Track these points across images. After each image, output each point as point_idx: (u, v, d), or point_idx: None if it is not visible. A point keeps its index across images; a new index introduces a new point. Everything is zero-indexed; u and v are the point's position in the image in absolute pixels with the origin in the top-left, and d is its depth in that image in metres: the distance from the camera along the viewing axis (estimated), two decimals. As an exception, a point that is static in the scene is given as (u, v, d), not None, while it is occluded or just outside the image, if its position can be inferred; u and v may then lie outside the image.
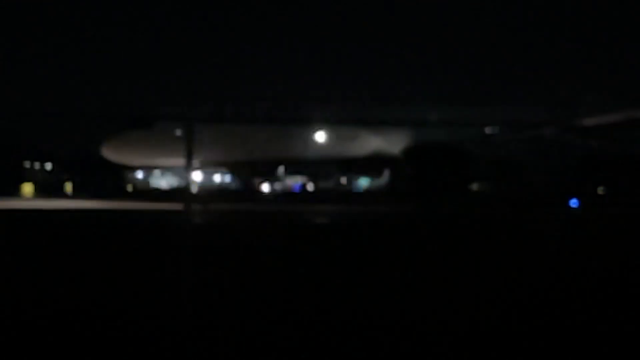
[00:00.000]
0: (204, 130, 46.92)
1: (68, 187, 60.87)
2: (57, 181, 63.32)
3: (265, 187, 56.35)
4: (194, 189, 50.59)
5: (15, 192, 53.89)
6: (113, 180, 58.02)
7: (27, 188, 56.59)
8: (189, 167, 9.58)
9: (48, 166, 60.33)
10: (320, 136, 51.39)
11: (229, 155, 51.57)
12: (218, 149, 49.89)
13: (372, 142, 53.22)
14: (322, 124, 50.81)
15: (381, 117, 51.23)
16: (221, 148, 50.29)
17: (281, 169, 56.66)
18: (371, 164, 55.01)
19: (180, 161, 49.28)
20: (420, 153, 51.79)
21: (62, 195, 55.04)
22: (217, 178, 59.12)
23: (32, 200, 47.04)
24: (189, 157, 9.75)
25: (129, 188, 57.87)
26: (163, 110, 49.92)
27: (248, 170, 55.58)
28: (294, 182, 57.71)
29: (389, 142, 53.05)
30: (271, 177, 56.55)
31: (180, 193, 44.66)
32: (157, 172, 57.88)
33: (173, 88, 51.29)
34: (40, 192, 55.37)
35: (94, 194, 52.42)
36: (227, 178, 59.04)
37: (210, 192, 48.62)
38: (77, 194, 54.56)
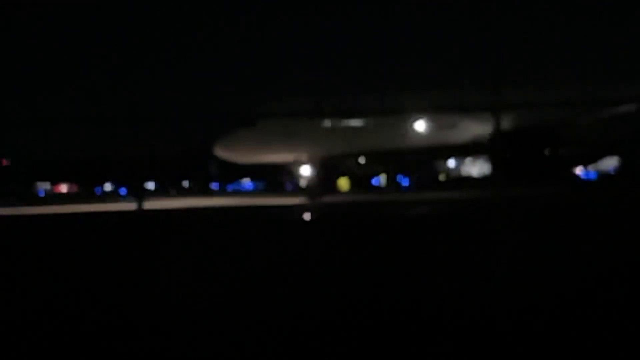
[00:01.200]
0: (311, 125, 48.94)
1: (383, 179, 60.96)
2: (370, 175, 62.21)
3: None
4: (308, 182, 51.16)
5: (331, 187, 55.00)
6: (425, 170, 57.87)
7: (343, 182, 57.18)
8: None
9: (361, 159, 59.71)
10: (419, 125, 50.32)
11: (336, 149, 51.13)
12: (326, 143, 50.04)
13: (472, 129, 51.83)
14: (420, 112, 49.89)
15: (479, 102, 49.36)
16: (330, 142, 50.19)
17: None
18: (471, 151, 54.13)
19: (288, 157, 50.06)
20: (514, 138, 50.31)
21: (374, 188, 55.62)
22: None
23: (348, 195, 48.46)
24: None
25: (442, 177, 57.60)
26: (267, 107, 50.79)
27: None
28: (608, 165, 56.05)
29: (488, 128, 50.78)
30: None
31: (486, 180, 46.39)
32: (469, 159, 57.28)
33: (271, 84, 52.97)
34: (354, 186, 56.20)
35: (407, 185, 53.28)
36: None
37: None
38: (389, 186, 55.23)
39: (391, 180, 61.59)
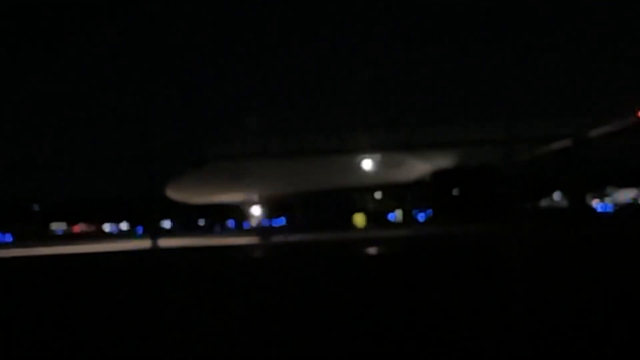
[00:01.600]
0: (260, 165, 50.09)
1: (399, 214, 60.22)
2: (384, 210, 62.48)
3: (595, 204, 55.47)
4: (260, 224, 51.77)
5: (346, 224, 55.41)
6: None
7: (359, 218, 57.09)
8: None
9: (378, 195, 59.32)
10: (366, 164, 51.00)
11: (282, 188, 52.60)
12: (275, 182, 51.43)
13: (418, 167, 53.11)
14: (367, 151, 50.97)
15: (424, 141, 51.31)
16: (276, 182, 51.58)
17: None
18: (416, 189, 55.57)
19: (238, 197, 50.48)
20: (457, 175, 51.96)
21: (390, 224, 55.09)
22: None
23: (365, 231, 47.78)
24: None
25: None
26: (215, 149, 51.35)
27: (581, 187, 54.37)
28: (625, 197, 56.35)
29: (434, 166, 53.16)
30: (602, 194, 55.66)
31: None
32: None
33: (218, 125, 54.07)
34: (370, 222, 56.20)
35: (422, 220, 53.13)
36: (556, 196, 57.75)
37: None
38: (406, 222, 54.68)
39: (407, 215, 61.60)
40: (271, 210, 54.87)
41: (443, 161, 52.80)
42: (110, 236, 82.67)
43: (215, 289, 14.32)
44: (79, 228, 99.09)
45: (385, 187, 55.19)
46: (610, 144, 48.98)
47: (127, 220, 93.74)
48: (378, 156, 51.52)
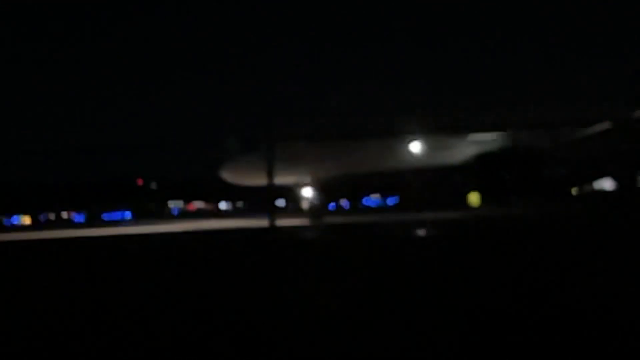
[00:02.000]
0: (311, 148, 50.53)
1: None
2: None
3: None
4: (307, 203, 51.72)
5: (462, 203, 55.47)
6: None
7: (474, 197, 57.23)
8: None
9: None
10: (415, 147, 51.28)
11: (333, 171, 52.59)
12: (326, 164, 51.62)
13: (467, 150, 52.77)
14: (416, 134, 50.88)
15: (473, 123, 51.01)
16: (328, 163, 51.69)
17: None
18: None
19: (291, 179, 50.72)
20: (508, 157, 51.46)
21: (508, 204, 54.96)
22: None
23: (480, 210, 47.98)
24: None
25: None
26: (266, 133, 51.25)
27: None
28: None
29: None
30: None
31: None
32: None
33: (274, 109, 54.90)
34: (487, 201, 55.77)
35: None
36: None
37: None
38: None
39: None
40: (326, 193, 55.48)
41: (489, 144, 52.84)
42: (225, 214, 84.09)
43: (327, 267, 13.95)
44: (194, 206, 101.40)
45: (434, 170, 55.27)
46: None
47: (242, 199, 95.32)
48: (428, 138, 52.06)
